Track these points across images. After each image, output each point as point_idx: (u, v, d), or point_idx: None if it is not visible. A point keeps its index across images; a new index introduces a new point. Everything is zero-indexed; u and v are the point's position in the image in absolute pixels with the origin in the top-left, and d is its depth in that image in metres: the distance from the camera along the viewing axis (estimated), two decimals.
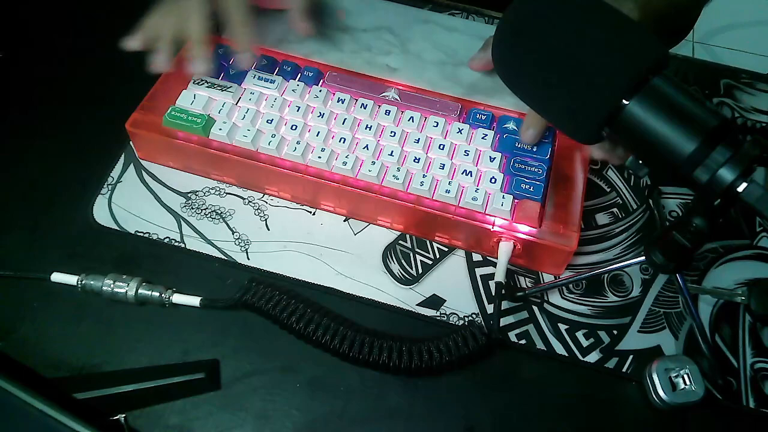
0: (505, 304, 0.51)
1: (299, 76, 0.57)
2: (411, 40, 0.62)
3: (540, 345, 0.50)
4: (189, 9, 0.52)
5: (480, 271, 0.53)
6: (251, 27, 0.53)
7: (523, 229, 0.50)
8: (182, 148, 0.54)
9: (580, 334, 0.50)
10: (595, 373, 0.49)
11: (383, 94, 0.56)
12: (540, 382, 0.49)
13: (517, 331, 0.50)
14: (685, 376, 0.46)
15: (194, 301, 0.49)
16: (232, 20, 0.52)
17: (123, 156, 0.58)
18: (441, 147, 0.53)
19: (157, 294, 0.49)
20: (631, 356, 0.49)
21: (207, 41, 0.52)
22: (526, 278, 0.53)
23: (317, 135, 0.53)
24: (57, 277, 0.50)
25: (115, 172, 0.57)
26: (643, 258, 0.45)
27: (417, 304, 0.51)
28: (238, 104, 0.55)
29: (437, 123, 0.54)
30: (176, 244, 0.53)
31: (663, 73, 0.36)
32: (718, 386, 0.48)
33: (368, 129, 0.54)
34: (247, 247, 0.53)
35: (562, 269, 0.52)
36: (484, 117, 0.54)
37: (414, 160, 0.52)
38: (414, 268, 0.53)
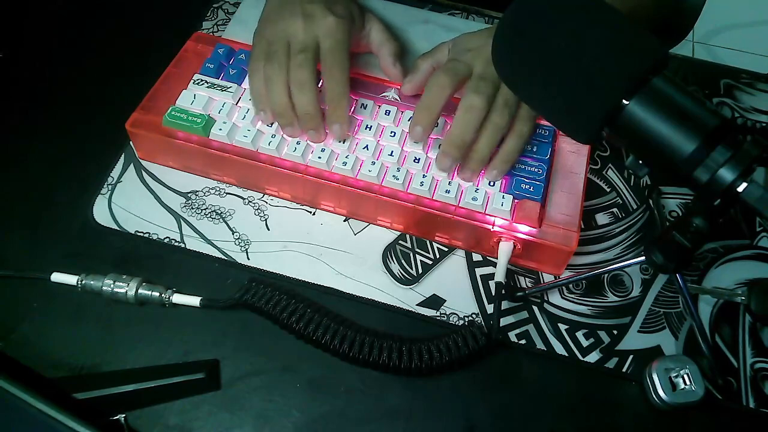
0: (505, 304, 0.51)
1: None
2: (411, 40, 0.62)
3: (540, 345, 0.50)
4: (297, 80, 0.50)
5: (480, 271, 0.53)
6: (347, 102, 0.52)
7: (523, 229, 0.50)
8: (182, 148, 0.54)
9: (580, 334, 0.50)
10: (595, 373, 0.49)
11: (383, 94, 0.56)
12: (540, 382, 0.49)
13: (517, 331, 0.50)
14: (685, 376, 0.46)
15: (194, 301, 0.49)
16: (329, 94, 0.51)
17: (123, 156, 0.58)
18: None
19: (157, 294, 0.49)
20: (631, 356, 0.49)
21: (345, 106, 0.51)
22: (526, 278, 0.53)
23: None
24: (57, 277, 0.50)
25: (115, 172, 0.57)
26: (643, 258, 0.45)
27: (417, 304, 0.51)
28: (238, 104, 0.55)
29: (437, 123, 0.54)
30: (176, 244, 0.53)
31: (663, 73, 0.36)
32: (718, 386, 0.48)
33: (368, 129, 0.54)
34: (247, 247, 0.53)
35: (562, 269, 0.52)
36: None
37: (414, 160, 0.52)
38: (414, 268, 0.53)
